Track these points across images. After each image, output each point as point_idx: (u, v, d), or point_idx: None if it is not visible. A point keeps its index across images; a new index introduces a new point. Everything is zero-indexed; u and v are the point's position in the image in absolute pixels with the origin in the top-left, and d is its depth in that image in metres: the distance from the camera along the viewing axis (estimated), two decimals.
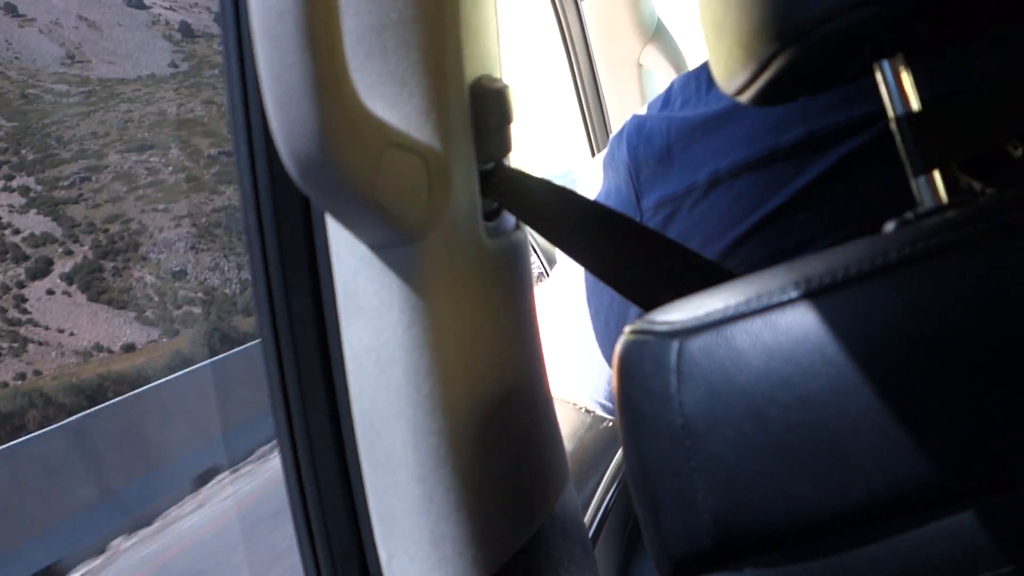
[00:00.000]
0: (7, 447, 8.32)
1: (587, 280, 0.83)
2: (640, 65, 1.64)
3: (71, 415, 9.80)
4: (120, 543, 7.65)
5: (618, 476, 1.25)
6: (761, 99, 0.53)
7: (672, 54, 1.64)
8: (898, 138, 0.49)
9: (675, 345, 0.47)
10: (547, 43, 1.69)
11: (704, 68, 0.74)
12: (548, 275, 1.60)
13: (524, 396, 0.65)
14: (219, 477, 8.71)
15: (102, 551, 7.59)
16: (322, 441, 0.57)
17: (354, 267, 0.54)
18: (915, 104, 0.49)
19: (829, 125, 0.65)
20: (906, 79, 0.49)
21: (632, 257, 0.63)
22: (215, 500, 8.18)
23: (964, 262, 0.43)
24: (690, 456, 0.46)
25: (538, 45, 1.71)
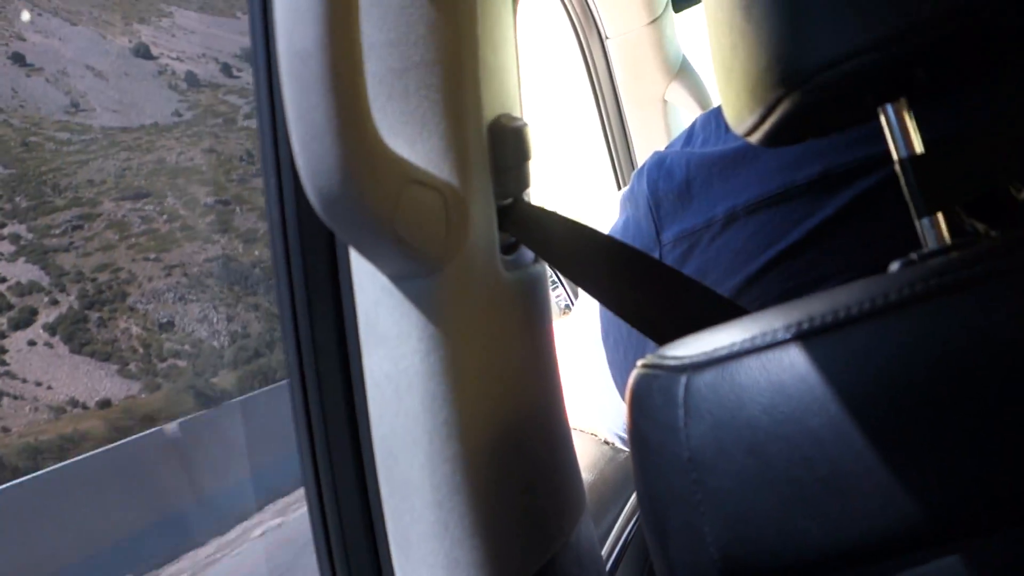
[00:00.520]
0: None
1: (604, 313, 0.84)
2: (665, 101, 1.67)
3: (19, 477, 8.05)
4: None
5: (638, 509, 1.25)
6: (769, 140, 0.54)
7: (696, 90, 1.66)
8: (902, 180, 0.50)
9: (683, 380, 0.48)
10: (574, 81, 1.72)
11: None
12: (573, 307, 1.61)
13: (540, 425, 0.66)
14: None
15: None
16: (342, 466, 0.59)
17: (375, 298, 0.56)
18: (918, 147, 0.50)
19: (845, 163, 0.66)
20: (909, 122, 0.51)
21: (647, 293, 0.64)
22: None
23: (965, 303, 0.44)
24: (696, 488, 0.47)
25: (565, 83, 1.74)
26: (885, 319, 0.44)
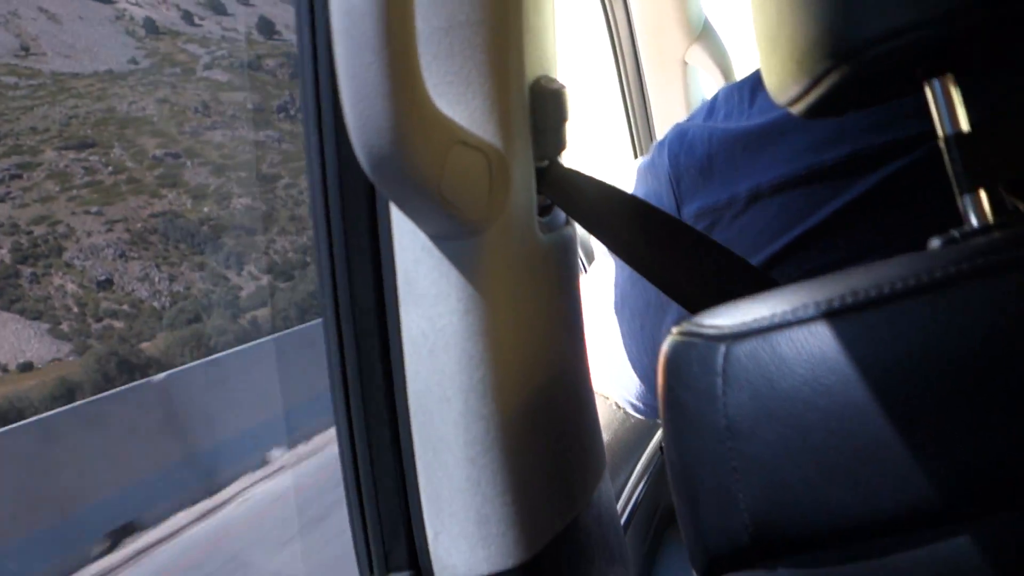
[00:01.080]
0: None
1: (622, 283, 0.84)
2: (685, 63, 1.65)
3: None
4: None
5: (648, 470, 1.27)
6: (812, 112, 0.54)
7: (718, 53, 1.65)
8: (946, 156, 0.50)
9: (722, 349, 0.49)
10: (590, 39, 1.70)
11: (748, 81, 0.75)
12: (586, 271, 1.62)
13: (569, 387, 0.67)
14: None
15: None
16: (377, 421, 0.60)
17: (415, 256, 0.57)
18: (964, 123, 0.50)
19: (873, 146, 0.66)
20: (956, 98, 0.51)
21: (678, 257, 0.65)
22: None
23: (1009, 283, 0.44)
24: (732, 456, 0.48)
25: (581, 41, 1.72)
26: (932, 296, 0.44)
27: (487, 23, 0.56)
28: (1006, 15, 0.46)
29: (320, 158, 0.58)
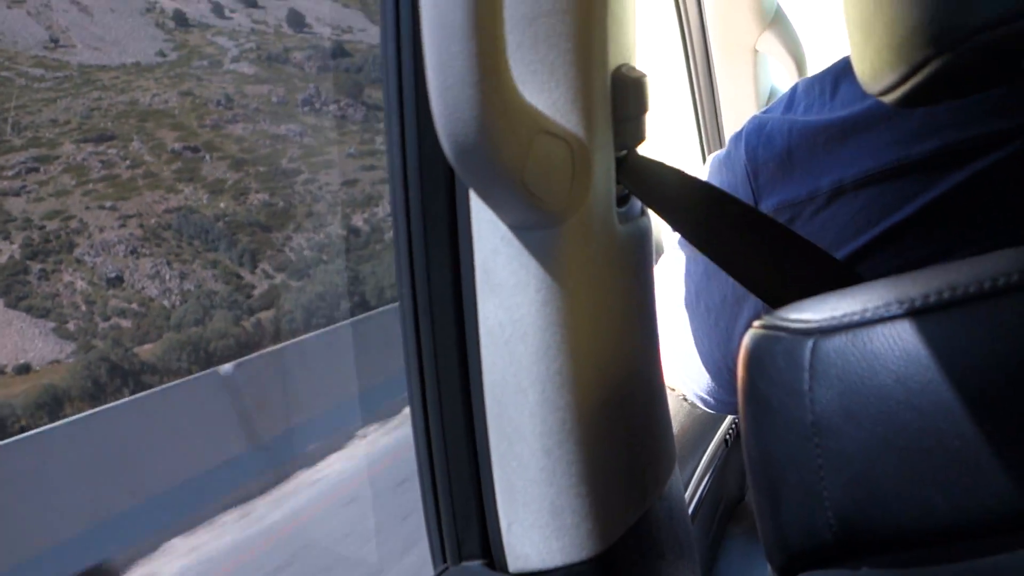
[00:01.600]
0: None
1: (697, 278, 0.83)
2: (756, 51, 1.62)
3: None
4: None
5: (713, 463, 1.26)
6: (906, 101, 0.53)
7: (790, 42, 1.61)
8: None
9: (809, 343, 0.48)
10: (657, 25, 1.68)
11: (830, 73, 0.73)
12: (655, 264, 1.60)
13: (643, 379, 0.66)
14: None
15: None
16: (452, 410, 0.60)
17: (494, 247, 0.57)
18: None
19: (963, 140, 0.64)
20: None
21: (759, 249, 0.64)
22: None
23: None
24: (818, 452, 0.47)
25: (648, 27, 1.70)
26: None
27: (572, 11, 0.55)
28: None
29: (401, 148, 0.58)
